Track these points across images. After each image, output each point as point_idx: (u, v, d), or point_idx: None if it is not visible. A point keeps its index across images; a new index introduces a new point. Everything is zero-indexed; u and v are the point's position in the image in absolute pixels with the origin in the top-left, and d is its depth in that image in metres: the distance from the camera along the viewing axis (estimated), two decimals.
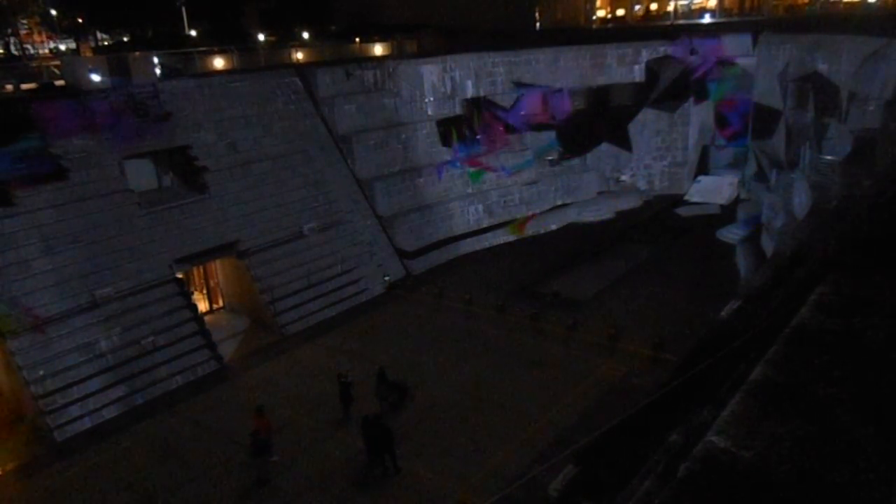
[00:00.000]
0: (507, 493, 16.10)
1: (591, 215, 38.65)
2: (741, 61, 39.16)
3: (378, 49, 41.97)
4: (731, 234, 34.18)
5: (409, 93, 35.68)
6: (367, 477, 18.11)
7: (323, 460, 18.90)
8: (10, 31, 64.69)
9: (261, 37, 58.04)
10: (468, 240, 35.44)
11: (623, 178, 41.21)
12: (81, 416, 21.35)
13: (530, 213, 37.58)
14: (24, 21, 67.76)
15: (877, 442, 2.91)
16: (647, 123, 41.24)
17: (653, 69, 40.87)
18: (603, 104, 41.55)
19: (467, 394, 21.77)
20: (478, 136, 38.18)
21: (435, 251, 34.02)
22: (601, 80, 40.71)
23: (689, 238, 34.89)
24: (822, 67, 30.87)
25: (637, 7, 61.94)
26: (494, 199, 37.09)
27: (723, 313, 20.27)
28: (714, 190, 40.48)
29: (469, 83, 37.64)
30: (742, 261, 30.27)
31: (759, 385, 3.44)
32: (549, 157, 39.56)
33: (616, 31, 50.26)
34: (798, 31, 35.01)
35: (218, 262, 28.81)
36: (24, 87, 29.47)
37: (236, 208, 27.92)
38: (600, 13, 60.29)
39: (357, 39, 44.59)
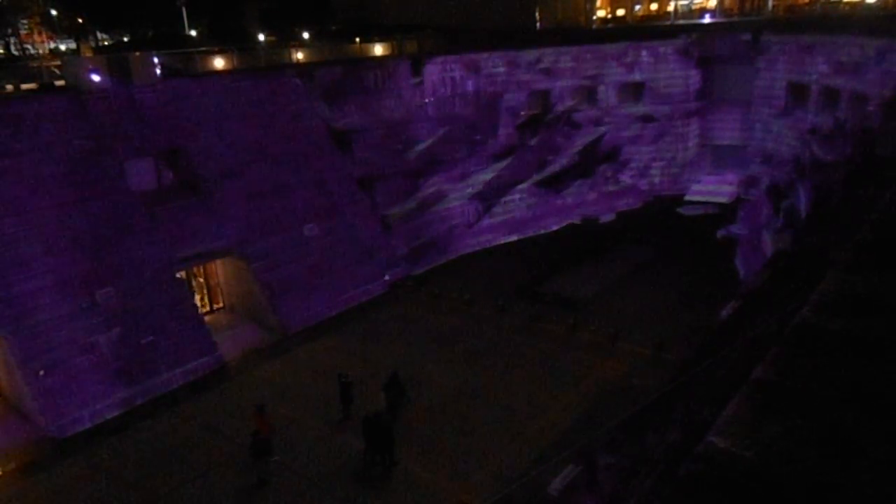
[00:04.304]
0: (507, 493, 16.12)
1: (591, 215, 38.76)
2: None
3: (378, 49, 41.89)
4: (732, 233, 34.13)
5: None
6: (367, 476, 18.12)
7: (323, 460, 18.90)
8: (10, 31, 64.68)
9: (261, 37, 58.02)
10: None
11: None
12: (82, 416, 21.35)
13: None
14: (25, 21, 67.73)
15: (877, 442, 2.91)
16: None
17: None
18: None
19: (467, 394, 21.77)
20: None
21: (435, 251, 34.01)
22: None
23: (689, 238, 34.86)
24: (822, 68, 30.87)
25: (637, 7, 61.89)
26: None
27: (723, 313, 20.30)
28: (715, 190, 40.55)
29: None
30: (742, 261, 30.25)
31: (759, 385, 3.43)
32: None
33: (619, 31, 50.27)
34: (798, 32, 34.98)
35: (218, 261, 28.78)
36: (24, 87, 29.42)
37: (237, 208, 27.89)
38: (600, 13, 60.28)
39: (357, 39, 44.53)
